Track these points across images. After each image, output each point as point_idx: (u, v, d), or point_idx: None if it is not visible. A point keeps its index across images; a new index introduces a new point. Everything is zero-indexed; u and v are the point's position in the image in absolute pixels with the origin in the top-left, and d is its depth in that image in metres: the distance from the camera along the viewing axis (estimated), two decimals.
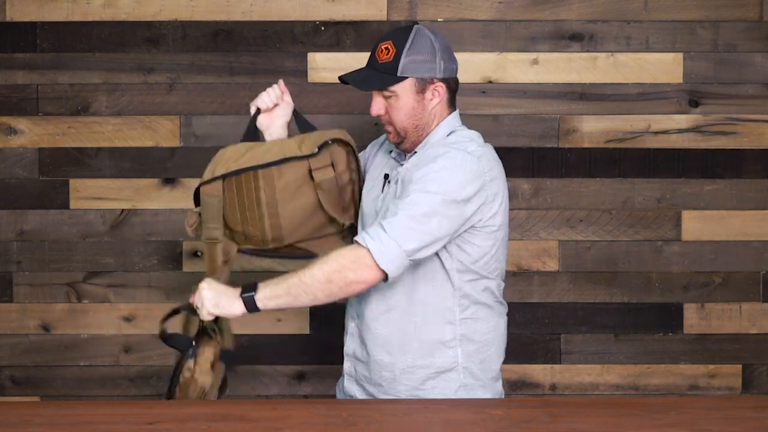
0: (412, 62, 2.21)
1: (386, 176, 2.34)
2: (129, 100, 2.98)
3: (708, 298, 3.01)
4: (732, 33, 2.97)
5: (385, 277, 2.12)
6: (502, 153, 2.91)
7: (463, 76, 2.94)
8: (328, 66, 2.95)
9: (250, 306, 2.14)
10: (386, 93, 2.24)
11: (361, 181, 2.40)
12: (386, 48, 2.22)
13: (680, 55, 2.97)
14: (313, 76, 2.97)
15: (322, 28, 2.96)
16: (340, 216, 2.32)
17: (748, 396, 3.01)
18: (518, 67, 2.97)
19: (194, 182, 2.97)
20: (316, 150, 2.27)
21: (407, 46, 2.20)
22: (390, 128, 2.27)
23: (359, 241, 2.12)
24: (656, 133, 2.98)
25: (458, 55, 2.94)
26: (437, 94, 2.25)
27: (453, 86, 2.30)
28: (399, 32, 2.24)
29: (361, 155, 2.45)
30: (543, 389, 3.03)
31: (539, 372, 3.02)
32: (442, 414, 1.99)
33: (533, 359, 3.02)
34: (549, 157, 2.97)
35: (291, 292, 2.12)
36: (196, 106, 2.98)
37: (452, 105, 2.31)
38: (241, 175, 2.26)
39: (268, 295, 2.13)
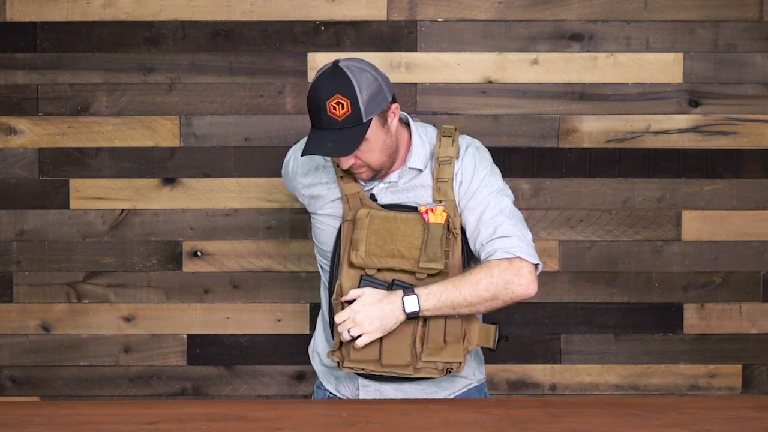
0: (370, 102, 2.10)
1: (372, 197, 2.25)
2: (129, 100, 2.98)
3: (708, 298, 3.01)
4: (732, 33, 2.97)
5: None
6: (502, 153, 2.94)
7: (463, 76, 2.97)
8: None
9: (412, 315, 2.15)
10: None
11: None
12: (338, 103, 2.09)
13: (680, 55, 2.97)
14: (314, 76, 2.96)
15: (322, 28, 2.96)
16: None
17: (748, 396, 3.00)
18: (518, 67, 2.97)
19: (194, 182, 2.99)
20: None
21: (357, 89, 2.09)
22: (363, 170, 2.19)
23: (507, 255, 2.12)
24: (656, 133, 2.98)
25: (458, 55, 2.97)
26: (394, 114, 2.18)
27: (395, 97, 2.22)
28: (335, 80, 2.10)
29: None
30: (543, 389, 3.03)
31: (539, 372, 3.02)
32: (442, 414, 1.98)
33: (533, 359, 3.02)
34: (549, 157, 2.97)
35: (454, 306, 2.13)
36: (196, 106, 2.98)
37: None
38: None
39: (429, 308, 2.13)
